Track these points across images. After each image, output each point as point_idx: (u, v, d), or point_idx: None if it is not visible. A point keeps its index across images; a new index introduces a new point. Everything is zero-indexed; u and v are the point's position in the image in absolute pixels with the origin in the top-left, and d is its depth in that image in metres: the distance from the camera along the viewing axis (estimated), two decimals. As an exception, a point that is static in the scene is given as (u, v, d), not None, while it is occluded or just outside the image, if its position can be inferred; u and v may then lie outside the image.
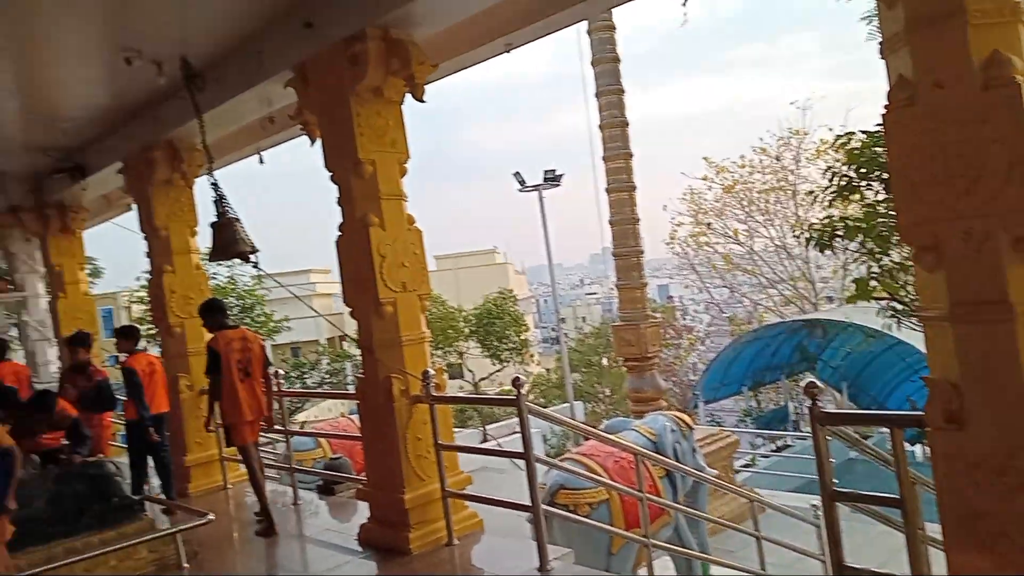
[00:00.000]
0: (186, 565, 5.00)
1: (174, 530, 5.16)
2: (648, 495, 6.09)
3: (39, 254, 10.17)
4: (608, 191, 13.30)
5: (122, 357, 6.93)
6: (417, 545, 4.75)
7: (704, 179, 27.95)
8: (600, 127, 13.22)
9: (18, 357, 12.51)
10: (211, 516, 5.46)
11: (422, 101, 4.93)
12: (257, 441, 6.05)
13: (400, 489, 4.81)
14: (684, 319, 37.27)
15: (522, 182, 27.27)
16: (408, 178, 5.12)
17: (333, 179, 5.04)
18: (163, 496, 6.62)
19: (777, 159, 26.76)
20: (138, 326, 7.41)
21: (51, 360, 10.65)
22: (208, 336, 5.90)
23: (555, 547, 4.54)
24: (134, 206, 7.62)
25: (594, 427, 8.73)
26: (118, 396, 6.99)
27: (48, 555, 4.72)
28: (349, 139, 4.81)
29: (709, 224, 28.04)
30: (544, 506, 4.58)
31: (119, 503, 5.24)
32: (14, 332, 12.00)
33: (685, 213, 28.44)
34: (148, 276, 7.52)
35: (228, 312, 6.12)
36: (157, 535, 5.14)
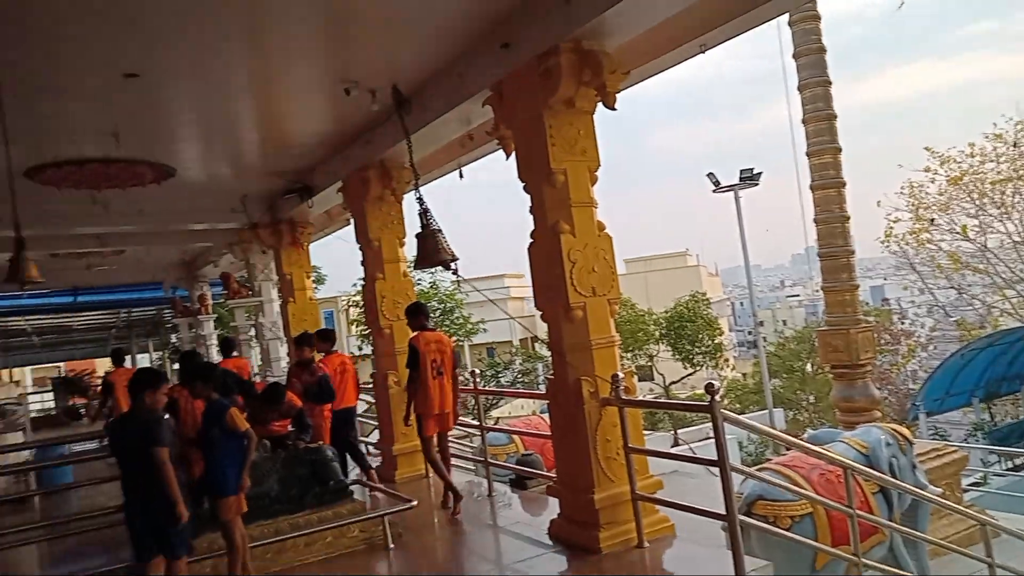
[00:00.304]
0: (391, 545, 5.48)
1: (382, 513, 5.68)
2: (858, 511, 5.71)
3: (273, 264, 11.50)
4: (813, 188, 12.55)
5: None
6: (607, 545, 4.80)
7: (926, 171, 25.19)
8: (804, 122, 12.51)
9: (255, 354, 14.29)
10: (414, 502, 5.94)
11: (613, 109, 5.00)
12: (446, 433, 6.57)
13: (590, 489, 4.89)
14: (902, 323, 33.87)
15: (716, 183, 26.41)
16: (598, 183, 5.22)
17: (526, 189, 5.25)
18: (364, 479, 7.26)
19: (1015, 146, 23.52)
20: (333, 329, 8.17)
21: (282, 357, 12.02)
22: (410, 335, 6.52)
23: (752, 559, 4.40)
24: (351, 220, 8.41)
25: (796, 437, 8.27)
26: None
27: (276, 528, 5.38)
28: (542, 150, 4.99)
29: (932, 220, 25.25)
30: (741, 516, 4.45)
31: (335, 486, 5.82)
32: (252, 332, 13.72)
33: (903, 208, 25.81)
34: (362, 282, 8.26)
35: (429, 316, 6.67)
36: (367, 517, 5.67)
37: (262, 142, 8.12)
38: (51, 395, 22.98)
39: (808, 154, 12.52)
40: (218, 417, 4.68)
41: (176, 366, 18.55)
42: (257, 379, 10.74)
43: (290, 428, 6.23)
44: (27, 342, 24.41)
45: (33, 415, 15.74)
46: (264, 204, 10.47)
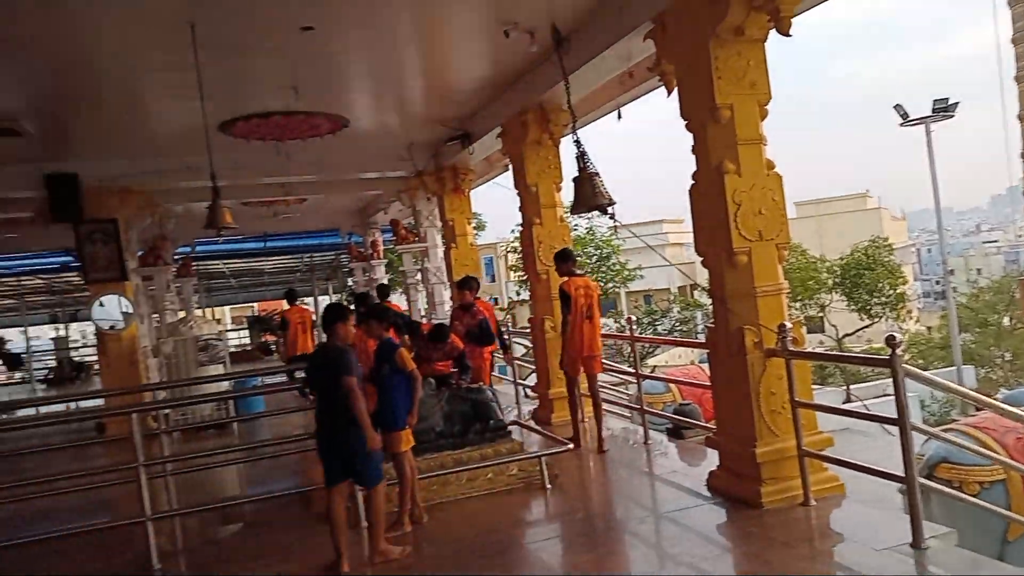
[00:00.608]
0: (548, 486, 5.61)
1: (540, 454, 5.81)
2: (1063, 483, 5.12)
3: (437, 211, 11.93)
4: (1022, 118, 11.07)
5: None
6: (769, 500, 4.64)
7: None
8: (1013, 42, 10.99)
9: (421, 297, 15.01)
10: (571, 445, 6.03)
11: (788, 35, 4.60)
12: (595, 376, 6.74)
13: (751, 442, 4.72)
14: None
15: (904, 115, 24.02)
16: (769, 120, 4.88)
17: (689, 127, 5.01)
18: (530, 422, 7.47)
19: None
20: (476, 277, 8.35)
21: (445, 300, 12.53)
22: (560, 281, 6.70)
23: (932, 524, 4.08)
24: (510, 166, 8.49)
25: (989, 396, 7.49)
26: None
27: (440, 462, 5.66)
28: (706, 84, 4.72)
29: None
30: (921, 479, 4.13)
31: (495, 425, 6.03)
32: (418, 276, 14.40)
33: None
34: (520, 228, 8.36)
35: (576, 262, 6.87)
36: (525, 457, 5.84)
37: (426, 90, 8.35)
38: (246, 332, 25.63)
39: (1017, 79, 11.02)
40: (389, 356, 4.95)
41: (352, 307, 19.92)
42: (423, 320, 11.32)
43: (452, 368, 6.51)
44: (226, 284, 27.26)
45: (231, 350, 17.56)
46: (428, 152, 10.82)
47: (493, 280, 40.60)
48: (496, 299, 36.42)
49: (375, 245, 17.58)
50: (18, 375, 24.74)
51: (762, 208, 4.76)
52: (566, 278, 6.63)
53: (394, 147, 10.49)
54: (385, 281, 17.85)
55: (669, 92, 5.27)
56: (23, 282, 20.54)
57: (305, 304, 15.77)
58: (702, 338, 6.32)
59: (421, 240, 12.92)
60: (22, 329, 26.34)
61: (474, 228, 12.96)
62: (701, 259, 5.05)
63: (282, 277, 27.57)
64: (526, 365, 10.00)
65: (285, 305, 12.50)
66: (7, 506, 5.46)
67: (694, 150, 4.98)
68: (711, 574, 4.04)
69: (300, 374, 9.10)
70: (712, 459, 5.36)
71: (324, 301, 27.80)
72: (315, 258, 23.86)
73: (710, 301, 5.15)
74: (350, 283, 25.02)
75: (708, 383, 5.74)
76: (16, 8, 4.89)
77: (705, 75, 4.72)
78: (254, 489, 6.99)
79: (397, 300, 15.65)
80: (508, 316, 29.38)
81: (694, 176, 5.01)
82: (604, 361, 7.12)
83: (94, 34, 5.55)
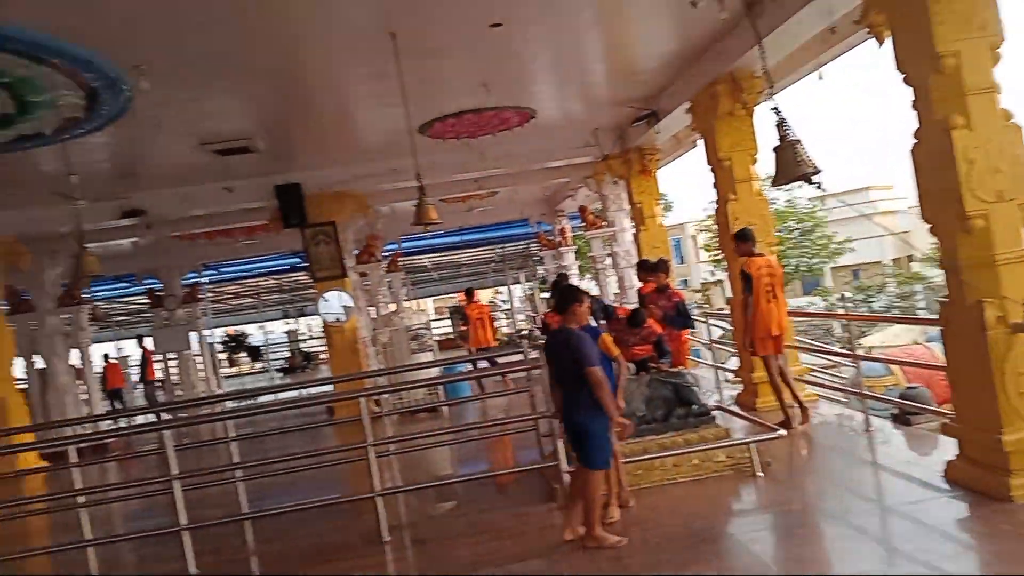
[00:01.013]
0: (759, 474, 5.36)
1: (750, 440, 5.57)
2: None
3: (624, 194, 11.82)
4: None
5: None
6: (1021, 493, 4.11)
7: None
8: None
9: (611, 281, 14.98)
10: (783, 432, 5.72)
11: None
12: (780, 354, 6.64)
13: (996, 429, 4.21)
14: None
15: None
16: (1002, 62, 4.30)
17: (906, 81, 4.53)
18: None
19: None
20: (650, 260, 8.06)
21: (636, 284, 12.38)
22: (741, 261, 6.63)
23: None
24: (697, 143, 8.19)
25: None
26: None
27: (643, 447, 5.60)
28: (925, 31, 4.25)
29: None
30: None
31: (698, 410, 5.88)
32: (608, 261, 14.38)
33: None
34: (713, 205, 8.05)
35: (756, 241, 6.73)
36: (735, 443, 5.62)
37: (610, 73, 8.30)
38: (448, 321, 27.13)
39: None
40: (592, 341, 4.98)
41: (544, 295, 20.38)
42: (616, 305, 11.29)
43: (651, 352, 6.43)
44: (428, 277, 29.04)
45: (436, 338, 18.64)
46: (614, 135, 10.76)
47: (682, 261, 39.46)
48: (687, 281, 35.42)
49: (563, 232, 17.80)
50: (259, 365, 28.17)
51: (1000, 165, 4.21)
52: (746, 258, 6.59)
53: (580, 133, 10.55)
54: (575, 268, 18.01)
55: (880, 44, 4.80)
56: (260, 283, 23.30)
57: (498, 292, 16.28)
58: (924, 314, 5.71)
59: (609, 225, 12.88)
60: (260, 324, 29.92)
61: (662, 209, 12.66)
62: (929, 227, 4.57)
63: (478, 268, 28.84)
64: (726, 349, 9.65)
65: (486, 298, 13.06)
66: (256, 481, 6.17)
67: (914, 106, 4.50)
68: (953, 574, 3.66)
69: (483, 364, 9.59)
70: (946, 448, 4.86)
71: (516, 290, 28.69)
72: (507, 248, 24.66)
73: (935, 273, 4.64)
74: (540, 271, 25.58)
75: (938, 364, 5.18)
76: (247, 42, 5.54)
77: (923, 21, 4.25)
78: (463, 469, 7.39)
79: (586, 286, 15.74)
80: (703, 298, 28.46)
81: (916, 135, 4.52)
82: (811, 342, 6.71)
83: (306, 53, 6.13)
